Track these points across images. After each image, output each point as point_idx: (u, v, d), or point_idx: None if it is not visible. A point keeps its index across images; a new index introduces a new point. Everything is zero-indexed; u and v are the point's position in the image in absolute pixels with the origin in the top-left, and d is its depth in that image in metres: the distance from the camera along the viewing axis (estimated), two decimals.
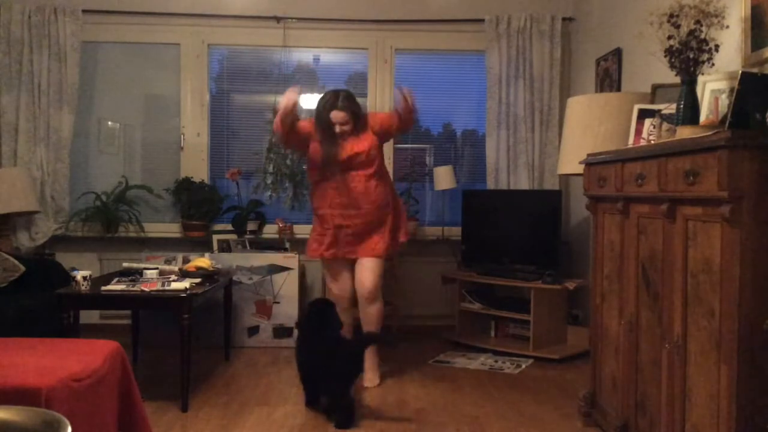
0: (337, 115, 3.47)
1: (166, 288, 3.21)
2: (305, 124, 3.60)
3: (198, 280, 3.47)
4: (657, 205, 2.21)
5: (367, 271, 3.55)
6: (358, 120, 3.53)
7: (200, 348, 4.14)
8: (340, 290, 3.67)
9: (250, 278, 4.38)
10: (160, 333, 4.19)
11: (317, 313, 3.26)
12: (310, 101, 4.97)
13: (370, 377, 3.60)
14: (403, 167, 5.02)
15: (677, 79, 2.44)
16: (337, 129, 3.48)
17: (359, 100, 4.96)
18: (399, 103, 3.45)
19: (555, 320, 4.28)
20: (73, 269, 3.61)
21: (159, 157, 4.97)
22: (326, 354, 3.04)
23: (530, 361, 4.08)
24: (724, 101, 2.31)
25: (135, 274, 3.52)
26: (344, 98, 3.49)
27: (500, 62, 4.74)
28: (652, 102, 2.95)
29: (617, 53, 4.02)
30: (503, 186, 4.77)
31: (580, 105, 3.36)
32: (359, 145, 3.50)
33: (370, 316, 3.59)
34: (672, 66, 2.40)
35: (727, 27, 2.39)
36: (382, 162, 3.63)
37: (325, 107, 3.50)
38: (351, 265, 3.64)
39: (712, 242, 1.90)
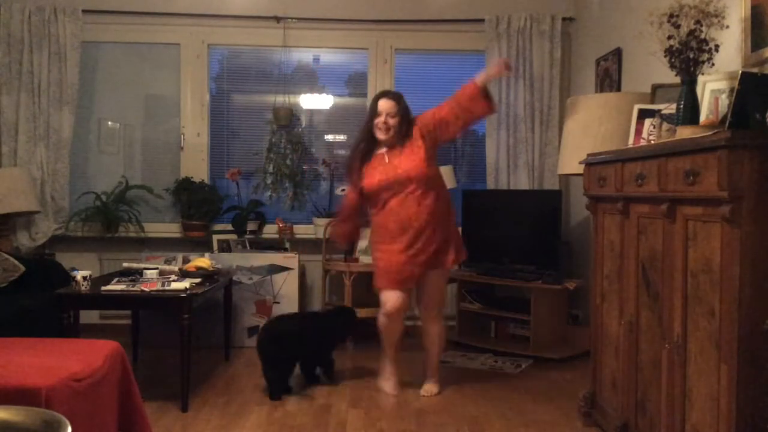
0: (385, 104, 3.27)
1: (166, 288, 3.21)
2: (352, 196, 3.47)
3: (198, 280, 3.47)
4: (657, 205, 2.21)
5: (433, 286, 3.40)
6: (405, 122, 3.31)
7: (200, 348, 4.13)
8: (394, 306, 3.36)
9: (250, 278, 4.38)
10: (160, 333, 4.19)
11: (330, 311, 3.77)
12: (310, 101, 4.98)
13: (426, 387, 3.49)
14: None
15: (677, 79, 2.44)
16: (382, 118, 3.25)
17: (359, 99, 5.02)
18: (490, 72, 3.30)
19: (555, 320, 4.28)
20: (73, 269, 3.60)
21: (159, 157, 4.97)
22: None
23: (530, 361, 4.08)
24: (724, 101, 2.31)
25: (135, 274, 3.52)
26: (395, 93, 3.38)
27: None
28: (652, 102, 2.95)
29: (617, 53, 4.02)
30: (503, 186, 4.77)
31: (580, 105, 3.36)
32: (407, 161, 3.25)
33: (431, 335, 3.49)
34: (672, 66, 2.40)
35: (727, 27, 2.39)
36: (436, 174, 3.37)
37: (374, 99, 3.38)
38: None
39: (712, 242, 1.90)
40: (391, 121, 3.26)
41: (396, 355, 3.55)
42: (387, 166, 3.28)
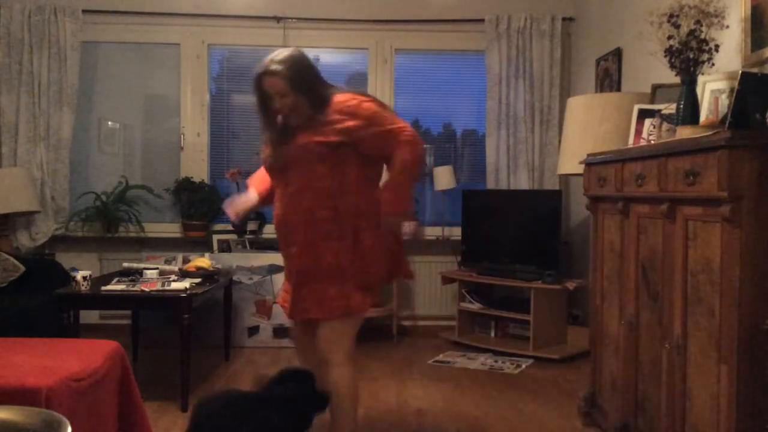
0: (269, 82, 2.37)
1: (166, 288, 3.21)
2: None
3: (198, 280, 3.47)
4: (657, 205, 2.21)
5: (320, 333, 2.39)
6: (314, 98, 2.33)
7: (200, 348, 4.13)
8: (304, 363, 2.56)
9: (250, 278, 4.38)
10: (160, 333, 4.19)
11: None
12: None
13: None
14: None
15: (677, 79, 2.44)
16: (277, 103, 2.37)
17: None
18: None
19: (555, 320, 4.28)
20: (73, 269, 3.61)
21: (159, 157, 4.97)
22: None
23: (530, 361, 4.08)
24: (724, 101, 2.31)
25: (135, 274, 3.52)
26: (283, 60, 2.34)
27: (500, 62, 4.74)
28: (652, 102, 2.95)
29: (617, 53, 4.02)
30: (503, 186, 4.77)
31: (580, 105, 3.36)
32: (310, 137, 2.32)
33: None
34: (672, 66, 2.40)
35: (727, 27, 2.39)
36: (341, 172, 2.33)
37: (257, 72, 2.42)
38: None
39: (712, 242, 1.90)
40: (286, 101, 2.36)
41: None
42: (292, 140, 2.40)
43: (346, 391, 2.38)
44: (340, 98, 2.35)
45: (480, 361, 4.10)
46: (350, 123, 2.30)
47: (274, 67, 2.35)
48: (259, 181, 2.64)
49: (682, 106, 2.37)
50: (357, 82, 5.02)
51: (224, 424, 2.17)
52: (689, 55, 2.34)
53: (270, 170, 2.49)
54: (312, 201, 2.32)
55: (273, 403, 2.21)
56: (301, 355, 2.64)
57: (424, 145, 2.39)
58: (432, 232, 4.97)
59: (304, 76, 2.35)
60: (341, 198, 2.33)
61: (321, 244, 2.33)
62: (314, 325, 2.41)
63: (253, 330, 4.40)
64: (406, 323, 4.85)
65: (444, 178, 4.77)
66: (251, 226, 4.75)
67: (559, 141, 4.08)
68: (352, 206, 2.34)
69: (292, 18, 4.83)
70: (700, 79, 2.40)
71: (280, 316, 4.39)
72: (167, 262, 4.08)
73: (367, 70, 4.95)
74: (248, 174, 4.86)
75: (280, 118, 2.42)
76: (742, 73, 2.02)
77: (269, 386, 2.28)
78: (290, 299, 2.45)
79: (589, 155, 2.89)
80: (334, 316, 2.34)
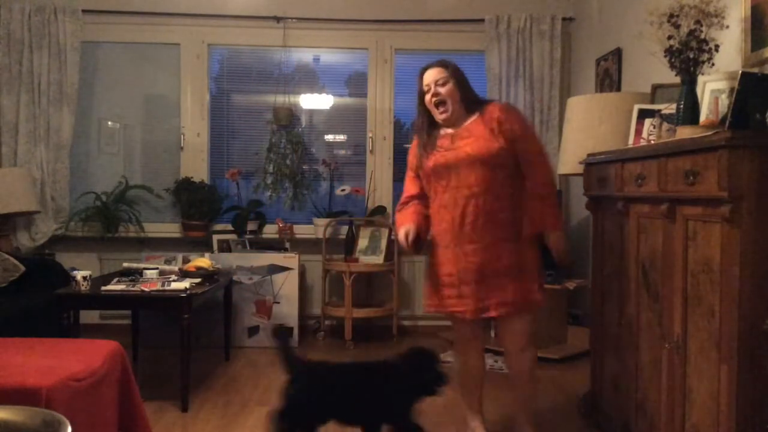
0: (430, 74, 2.59)
1: (166, 288, 3.22)
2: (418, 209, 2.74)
3: (198, 280, 3.47)
4: (657, 205, 2.21)
5: (510, 327, 2.68)
6: (467, 94, 2.61)
7: (200, 348, 4.13)
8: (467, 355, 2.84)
9: (250, 278, 4.38)
10: (160, 333, 4.19)
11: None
12: (310, 101, 4.98)
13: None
14: (403, 166, 5.02)
15: (677, 79, 2.44)
16: (432, 90, 2.58)
17: (359, 99, 5.01)
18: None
19: (555, 320, 4.28)
20: (73, 269, 3.61)
21: (159, 157, 4.97)
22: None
23: None
24: (724, 101, 2.30)
25: (135, 274, 3.52)
26: (442, 60, 2.64)
27: (500, 62, 4.74)
28: (652, 102, 2.95)
29: (617, 53, 4.02)
30: None
31: (580, 105, 3.36)
32: (474, 142, 2.54)
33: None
34: (672, 66, 2.40)
35: (727, 27, 2.39)
36: (515, 177, 2.58)
37: (419, 76, 2.65)
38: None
39: (712, 242, 1.90)
40: (442, 90, 2.57)
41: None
42: (451, 143, 2.62)
43: (535, 370, 2.74)
44: (498, 106, 2.61)
45: None
46: (517, 130, 2.55)
47: (435, 61, 2.64)
48: (409, 216, 2.75)
49: (682, 106, 2.37)
50: (357, 82, 5.02)
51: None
52: (689, 55, 2.34)
53: (435, 171, 2.63)
54: (494, 203, 2.53)
55: (386, 372, 2.44)
56: (464, 346, 2.81)
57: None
58: None
59: (460, 71, 2.63)
60: (517, 203, 2.58)
61: (501, 245, 2.54)
62: (486, 319, 2.68)
63: (253, 330, 4.40)
64: (406, 323, 4.85)
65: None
66: (251, 226, 4.76)
67: (559, 141, 4.08)
68: (520, 212, 2.58)
69: (292, 18, 4.83)
70: (700, 79, 2.40)
71: (281, 316, 4.39)
72: (167, 262, 4.08)
73: (367, 70, 4.95)
74: (248, 174, 4.90)
75: (435, 114, 2.62)
76: (742, 73, 2.02)
77: (393, 359, 2.49)
78: (470, 298, 2.56)
79: (589, 155, 2.89)
80: (522, 310, 2.58)
